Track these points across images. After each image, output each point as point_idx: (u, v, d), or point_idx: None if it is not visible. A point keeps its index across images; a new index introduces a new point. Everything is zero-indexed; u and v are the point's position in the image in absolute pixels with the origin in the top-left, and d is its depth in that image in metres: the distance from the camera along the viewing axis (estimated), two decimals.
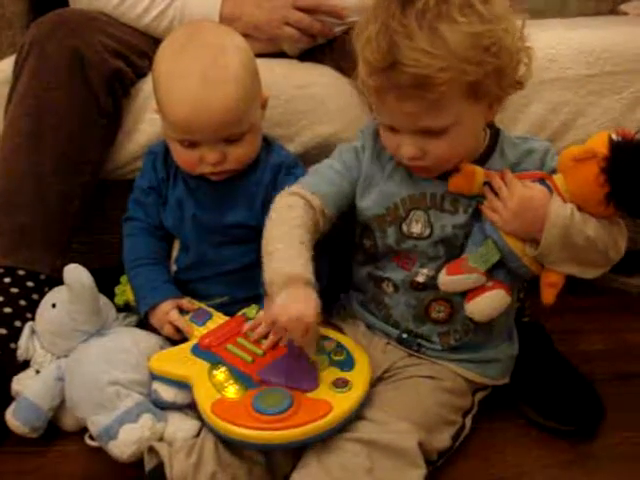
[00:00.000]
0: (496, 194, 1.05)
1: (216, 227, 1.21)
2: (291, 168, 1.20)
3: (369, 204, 1.11)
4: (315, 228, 1.08)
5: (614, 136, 0.99)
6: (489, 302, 1.05)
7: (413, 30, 0.93)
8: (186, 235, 1.23)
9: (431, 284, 1.09)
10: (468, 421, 1.12)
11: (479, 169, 1.05)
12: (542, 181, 1.04)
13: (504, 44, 0.96)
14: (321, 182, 1.11)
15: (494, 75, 0.97)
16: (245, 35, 1.24)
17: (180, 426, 1.08)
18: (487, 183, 1.05)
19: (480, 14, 0.95)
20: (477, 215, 1.07)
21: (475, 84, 0.96)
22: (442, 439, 1.07)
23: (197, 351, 1.12)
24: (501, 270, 1.06)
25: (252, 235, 1.19)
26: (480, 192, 1.06)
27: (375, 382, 1.10)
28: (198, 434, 1.06)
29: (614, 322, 1.44)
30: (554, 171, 1.06)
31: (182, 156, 1.17)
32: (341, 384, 1.03)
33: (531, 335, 1.26)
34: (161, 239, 1.26)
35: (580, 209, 1.02)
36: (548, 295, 1.05)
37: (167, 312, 1.18)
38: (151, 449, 1.04)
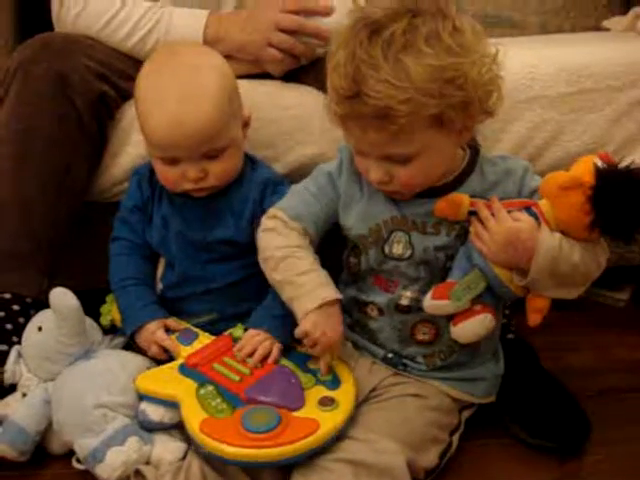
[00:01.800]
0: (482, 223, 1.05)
1: (202, 244, 1.22)
2: (277, 185, 1.21)
3: (352, 223, 1.12)
4: (307, 243, 1.11)
5: (599, 163, 0.99)
6: (476, 326, 1.05)
7: (378, 60, 0.93)
8: (172, 253, 1.24)
9: (416, 307, 1.10)
10: (455, 439, 1.12)
11: (465, 198, 1.05)
12: (528, 209, 1.04)
13: (470, 76, 0.95)
14: (298, 204, 1.13)
15: (460, 107, 0.97)
16: (228, 56, 1.25)
17: (167, 448, 1.08)
18: (473, 212, 1.05)
19: (447, 45, 0.94)
20: (461, 238, 1.07)
21: (438, 116, 0.96)
22: (429, 458, 1.07)
23: (184, 370, 1.12)
24: (488, 294, 1.06)
25: (238, 252, 1.21)
26: (465, 219, 1.06)
27: (361, 402, 1.11)
28: (184, 456, 1.06)
29: (600, 337, 1.45)
30: (534, 191, 1.07)
31: (164, 173, 1.18)
32: (327, 402, 1.04)
33: (516, 352, 1.26)
34: (147, 258, 1.26)
35: (565, 234, 1.02)
36: (535, 319, 1.06)
37: (153, 332, 1.18)
38: (137, 472, 1.04)
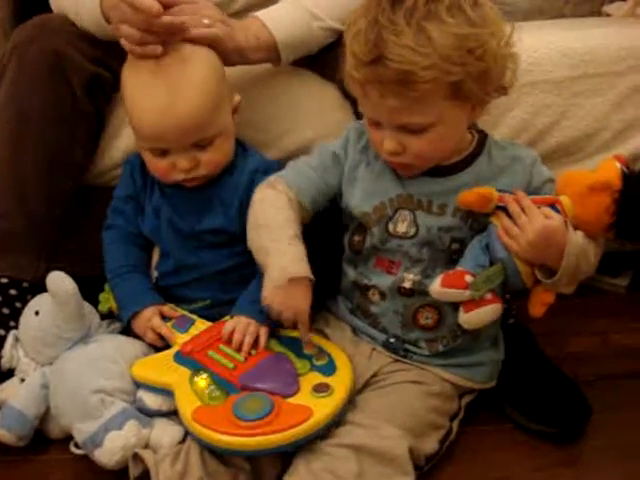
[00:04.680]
0: (509, 216, 1.05)
1: (193, 233, 1.21)
2: (266, 173, 1.19)
3: (356, 201, 1.12)
4: (298, 217, 1.11)
5: (620, 165, 1.04)
6: (486, 314, 1.05)
7: (401, 27, 0.94)
8: (165, 242, 1.24)
9: (419, 290, 1.09)
10: (455, 425, 1.13)
11: (494, 192, 1.05)
12: (553, 205, 1.05)
13: (489, 48, 0.97)
14: (297, 176, 1.13)
15: (478, 78, 0.98)
16: None
17: (165, 432, 1.08)
18: (501, 207, 1.06)
19: (468, 16, 0.96)
20: (467, 221, 1.08)
21: (458, 85, 0.97)
22: (430, 444, 1.07)
23: (179, 358, 1.12)
24: (500, 285, 1.06)
25: (227, 240, 1.20)
26: (491, 213, 1.07)
27: (362, 388, 1.11)
28: (184, 440, 1.06)
29: (599, 323, 1.45)
30: (545, 182, 1.09)
31: (154, 165, 1.17)
32: (322, 389, 1.04)
33: (516, 338, 1.26)
34: (141, 247, 1.26)
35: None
36: (540, 311, 1.08)
37: (149, 319, 1.18)
38: (136, 456, 1.03)
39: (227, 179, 1.20)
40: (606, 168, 1.05)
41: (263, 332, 1.13)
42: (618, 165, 1.04)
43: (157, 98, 1.10)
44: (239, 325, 1.13)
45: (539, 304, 1.08)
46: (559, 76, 1.35)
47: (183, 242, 1.22)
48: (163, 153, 1.14)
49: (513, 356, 1.21)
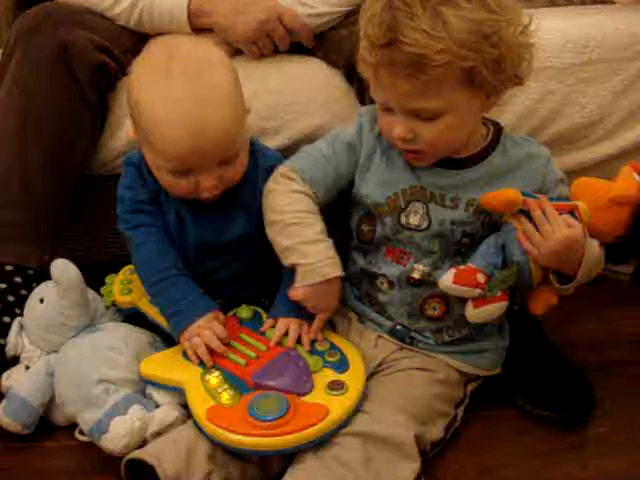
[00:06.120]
0: (529, 217, 1.05)
1: (217, 243, 1.15)
2: None
3: (369, 190, 1.11)
4: (317, 208, 1.11)
5: (638, 177, 1.05)
6: (494, 311, 1.06)
7: (416, 10, 0.94)
8: (184, 245, 1.16)
9: (427, 281, 1.09)
10: (460, 412, 1.13)
11: (520, 197, 1.04)
12: (572, 212, 1.05)
13: (505, 35, 0.96)
14: (311, 166, 1.11)
15: (492, 66, 0.97)
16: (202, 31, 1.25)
17: (169, 412, 1.07)
18: (523, 211, 1.05)
19: (485, 3, 0.95)
20: (480, 217, 1.07)
21: (471, 72, 0.97)
22: (435, 431, 1.07)
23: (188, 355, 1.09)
24: None
25: (249, 243, 1.17)
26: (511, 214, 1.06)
27: (368, 375, 1.10)
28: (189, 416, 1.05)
29: (604, 311, 1.44)
30: (558, 182, 1.09)
31: (175, 185, 1.07)
32: (337, 387, 1.02)
33: (522, 324, 1.25)
34: (172, 243, 1.15)
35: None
36: (543, 310, 1.09)
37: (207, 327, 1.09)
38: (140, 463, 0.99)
39: (243, 184, 1.12)
40: (625, 180, 1.06)
41: (318, 320, 1.11)
42: (637, 177, 1.05)
43: (186, 116, 0.99)
44: (291, 326, 1.11)
45: (543, 305, 1.09)
46: (563, 62, 1.34)
47: (204, 249, 1.16)
48: (186, 173, 1.04)
49: (518, 343, 1.21)
